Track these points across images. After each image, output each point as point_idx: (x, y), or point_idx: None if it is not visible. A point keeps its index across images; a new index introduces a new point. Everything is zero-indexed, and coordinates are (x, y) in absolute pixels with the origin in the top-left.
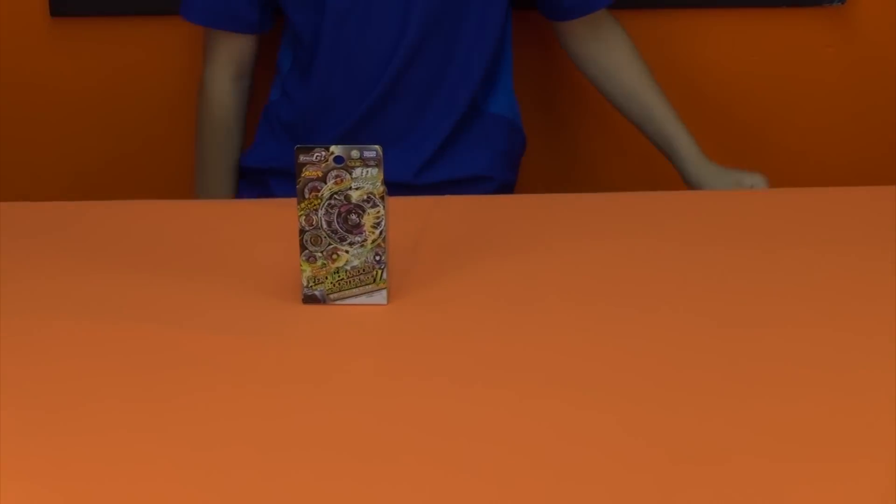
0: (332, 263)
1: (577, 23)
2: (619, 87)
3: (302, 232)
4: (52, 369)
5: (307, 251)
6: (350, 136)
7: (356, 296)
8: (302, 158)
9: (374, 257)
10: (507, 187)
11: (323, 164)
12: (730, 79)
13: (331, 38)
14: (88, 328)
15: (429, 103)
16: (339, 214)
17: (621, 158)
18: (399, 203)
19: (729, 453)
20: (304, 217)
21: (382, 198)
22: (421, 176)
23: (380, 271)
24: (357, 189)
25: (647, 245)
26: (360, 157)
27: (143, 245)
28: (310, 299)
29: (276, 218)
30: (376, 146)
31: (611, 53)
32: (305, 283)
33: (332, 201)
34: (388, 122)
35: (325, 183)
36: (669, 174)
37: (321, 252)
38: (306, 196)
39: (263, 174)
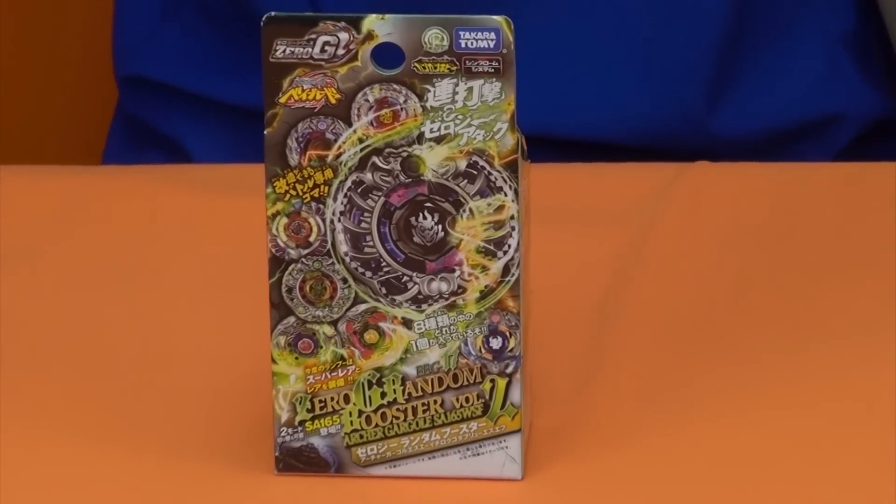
0: (366, 358)
1: None
2: None
3: (279, 263)
4: None
5: (292, 321)
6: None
7: (435, 453)
8: (282, 48)
9: (486, 343)
10: (881, 127)
11: (342, 69)
12: None
13: None
14: None
15: None
16: (386, 214)
17: None
18: (562, 178)
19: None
20: (282, 222)
21: (513, 169)
22: (627, 121)
23: (502, 382)
24: (442, 141)
25: None
26: (452, 47)
27: None
28: (296, 459)
29: (204, 220)
30: (499, 17)
31: None
32: (284, 417)
33: (369, 177)
34: None
35: (350, 125)
36: None
37: (332, 323)
38: (296, 162)
39: (156, 107)
